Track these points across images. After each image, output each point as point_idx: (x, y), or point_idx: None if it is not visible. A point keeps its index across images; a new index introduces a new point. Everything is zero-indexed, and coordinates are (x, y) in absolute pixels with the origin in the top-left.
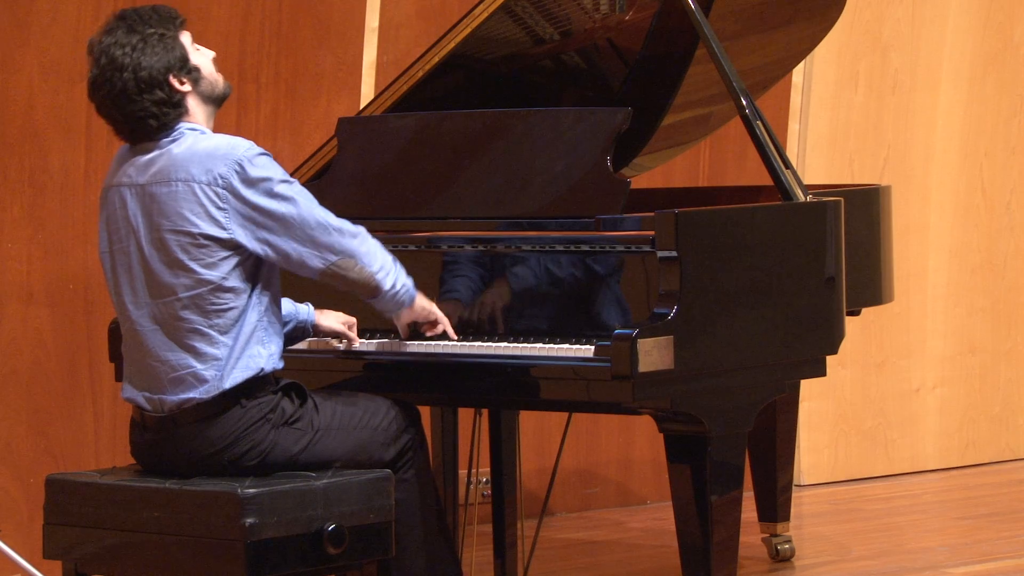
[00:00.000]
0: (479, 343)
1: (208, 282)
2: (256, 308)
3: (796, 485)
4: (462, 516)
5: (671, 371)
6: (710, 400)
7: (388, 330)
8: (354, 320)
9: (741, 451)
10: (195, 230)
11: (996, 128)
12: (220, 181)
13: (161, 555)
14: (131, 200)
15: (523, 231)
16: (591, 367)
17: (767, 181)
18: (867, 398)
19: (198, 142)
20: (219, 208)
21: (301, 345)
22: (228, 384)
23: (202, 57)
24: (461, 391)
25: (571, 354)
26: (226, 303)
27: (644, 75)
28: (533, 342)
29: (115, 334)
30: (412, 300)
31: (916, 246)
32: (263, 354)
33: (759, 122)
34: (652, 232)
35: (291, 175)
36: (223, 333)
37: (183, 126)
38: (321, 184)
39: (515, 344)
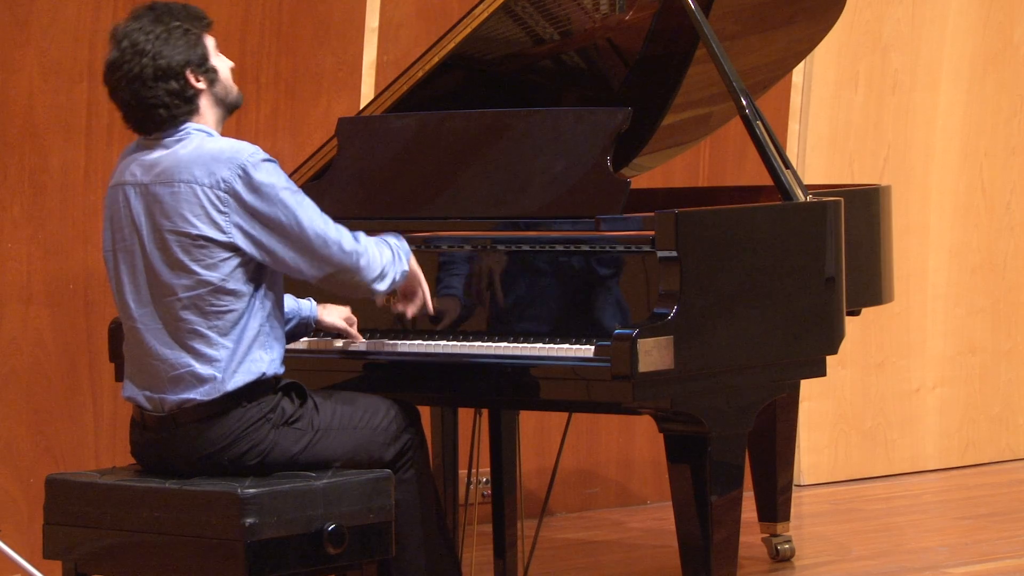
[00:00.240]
0: (479, 343)
1: (208, 283)
2: (259, 313)
3: (796, 485)
4: (462, 516)
5: (671, 371)
6: (710, 400)
7: (388, 330)
8: (354, 318)
9: (741, 451)
10: (195, 231)
11: (996, 128)
12: (222, 184)
13: (161, 555)
14: (135, 199)
15: (523, 231)
16: (591, 367)
17: (767, 181)
18: (867, 398)
19: (204, 144)
20: (220, 211)
21: (301, 344)
22: (229, 387)
23: (221, 62)
24: (461, 391)
25: (571, 354)
26: (226, 305)
27: (644, 75)
28: (533, 342)
29: (115, 334)
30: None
31: (916, 246)
32: (265, 359)
33: (759, 122)
34: (652, 232)
35: (291, 175)
36: (223, 335)
37: (191, 126)
38: (321, 184)
39: (515, 344)
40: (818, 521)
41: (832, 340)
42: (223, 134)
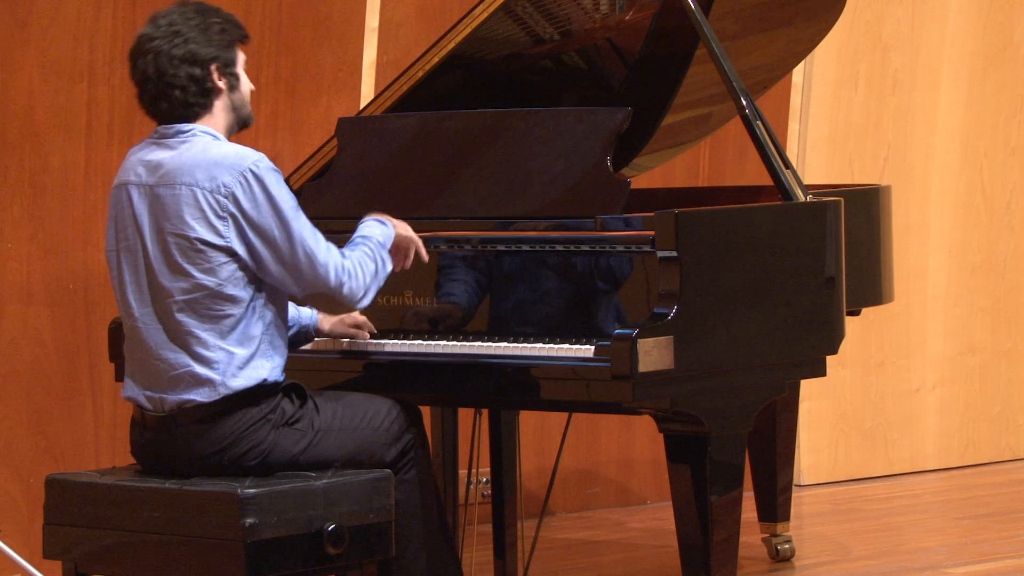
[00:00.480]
0: (479, 343)
1: (204, 287)
2: (259, 322)
3: (796, 485)
4: (462, 516)
5: (671, 371)
6: (710, 400)
7: (388, 330)
8: (362, 319)
9: (741, 451)
10: (193, 234)
11: (996, 128)
12: (222, 189)
13: (161, 555)
14: (138, 199)
15: (523, 231)
16: (591, 367)
17: (767, 181)
18: (867, 398)
19: (209, 148)
20: (219, 216)
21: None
22: (229, 390)
23: (245, 77)
24: (461, 391)
25: (571, 354)
26: (222, 310)
27: (644, 75)
28: (533, 342)
29: (115, 334)
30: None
31: (916, 246)
32: (266, 366)
33: (759, 122)
34: (652, 232)
35: (291, 175)
36: (221, 339)
37: (198, 127)
38: (321, 184)
39: (515, 344)
40: (818, 521)
41: (832, 340)
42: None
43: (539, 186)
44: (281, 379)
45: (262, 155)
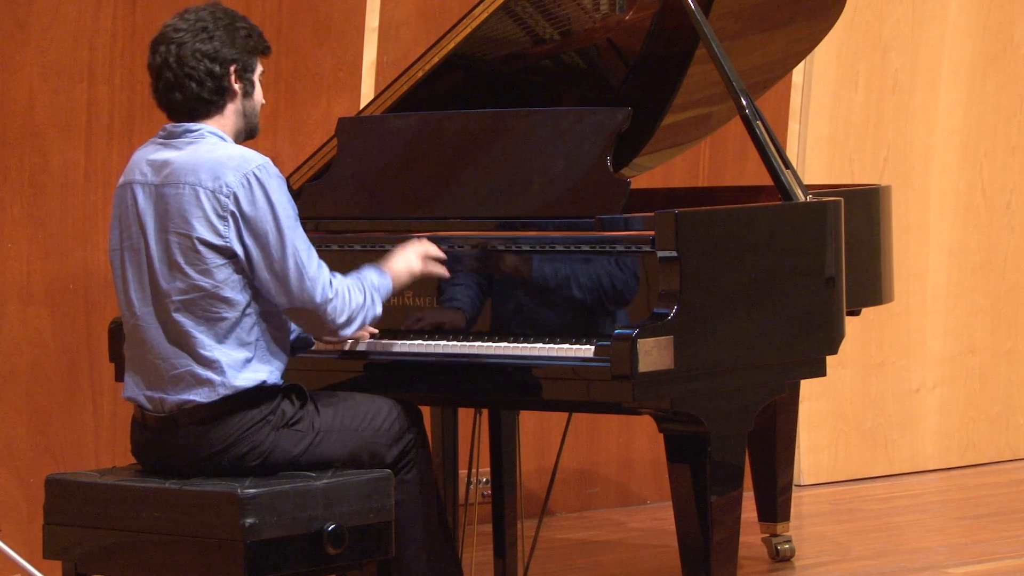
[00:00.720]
0: (479, 343)
1: (200, 288)
2: (256, 328)
3: (796, 485)
4: (462, 516)
5: (671, 371)
6: (710, 400)
7: (388, 330)
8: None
9: (741, 451)
10: (193, 234)
11: (996, 128)
12: (225, 189)
13: (161, 555)
14: (143, 198)
15: (523, 231)
16: (591, 367)
17: (767, 181)
18: (867, 398)
19: (215, 149)
20: (220, 216)
21: None
22: (228, 392)
23: (260, 88)
24: (461, 391)
25: (571, 354)
26: (219, 312)
27: (644, 75)
28: (533, 342)
29: (115, 334)
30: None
31: (916, 246)
32: (264, 370)
33: (759, 122)
34: (652, 232)
35: (291, 175)
36: (219, 341)
37: (206, 128)
38: (321, 184)
39: (515, 344)
40: (818, 521)
41: (832, 340)
42: None
43: (539, 186)
44: (280, 383)
45: (268, 160)
